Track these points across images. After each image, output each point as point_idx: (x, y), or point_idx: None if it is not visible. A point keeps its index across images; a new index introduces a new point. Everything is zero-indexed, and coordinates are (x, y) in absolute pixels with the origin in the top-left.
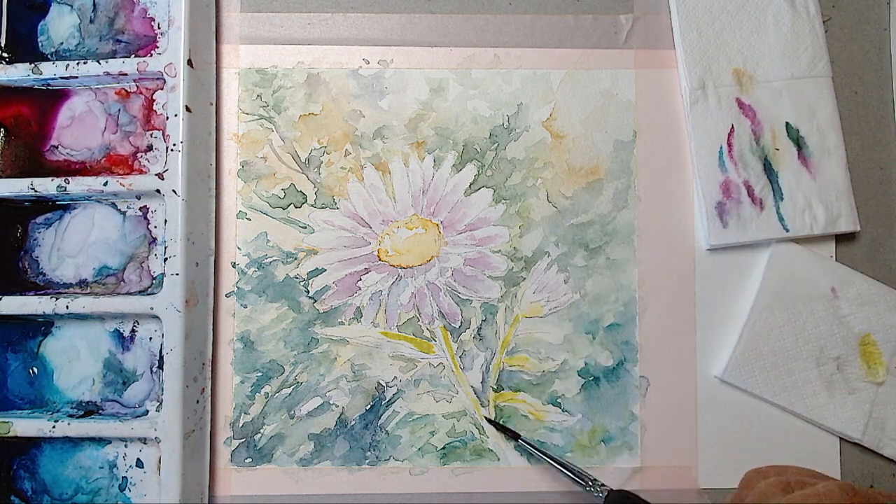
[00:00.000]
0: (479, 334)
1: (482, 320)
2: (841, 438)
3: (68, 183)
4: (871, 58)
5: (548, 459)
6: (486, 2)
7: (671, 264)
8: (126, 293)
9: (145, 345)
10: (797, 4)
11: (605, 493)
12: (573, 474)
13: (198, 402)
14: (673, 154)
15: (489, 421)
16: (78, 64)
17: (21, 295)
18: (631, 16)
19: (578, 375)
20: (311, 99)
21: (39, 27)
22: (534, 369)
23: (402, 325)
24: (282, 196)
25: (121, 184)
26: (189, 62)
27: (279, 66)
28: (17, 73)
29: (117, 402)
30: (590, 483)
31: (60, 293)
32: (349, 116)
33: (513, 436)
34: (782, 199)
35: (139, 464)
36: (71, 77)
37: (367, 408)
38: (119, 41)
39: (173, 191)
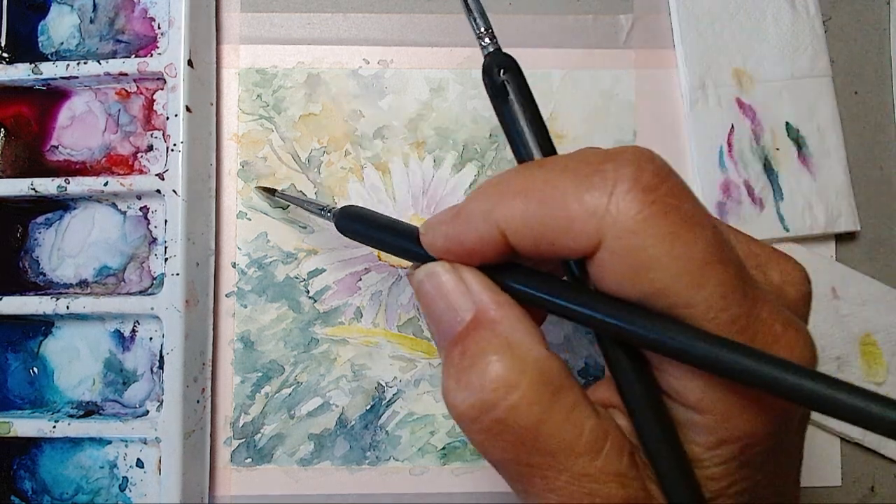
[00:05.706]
0: None
1: None
2: (841, 438)
3: (68, 183)
4: (871, 58)
5: (295, 202)
6: (486, 2)
7: None
8: (126, 293)
9: (145, 345)
10: (797, 4)
11: (335, 211)
12: (315, 206)
13: (198, 402)
14: (673, 154)
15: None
16: (78, 64)
17: (21, 295)
18: (631, 16)
19: (579, 375)
20: (311, 99)
21: (39, 27)
22: None
23: (402, 325)
24: None
25: (121, 184)
26: (189, 62)
27: (279, 66)
28: (17, 73)
29: (118, 402)
30: (326, 210)
31: (60, 293)
32: (349, 116)
33: (270, 192)
34: (782, 198)
35: (139, 464)
36: (71, 77)
37: (367, 408)
38: (119, 41)
39: (174, 191)
